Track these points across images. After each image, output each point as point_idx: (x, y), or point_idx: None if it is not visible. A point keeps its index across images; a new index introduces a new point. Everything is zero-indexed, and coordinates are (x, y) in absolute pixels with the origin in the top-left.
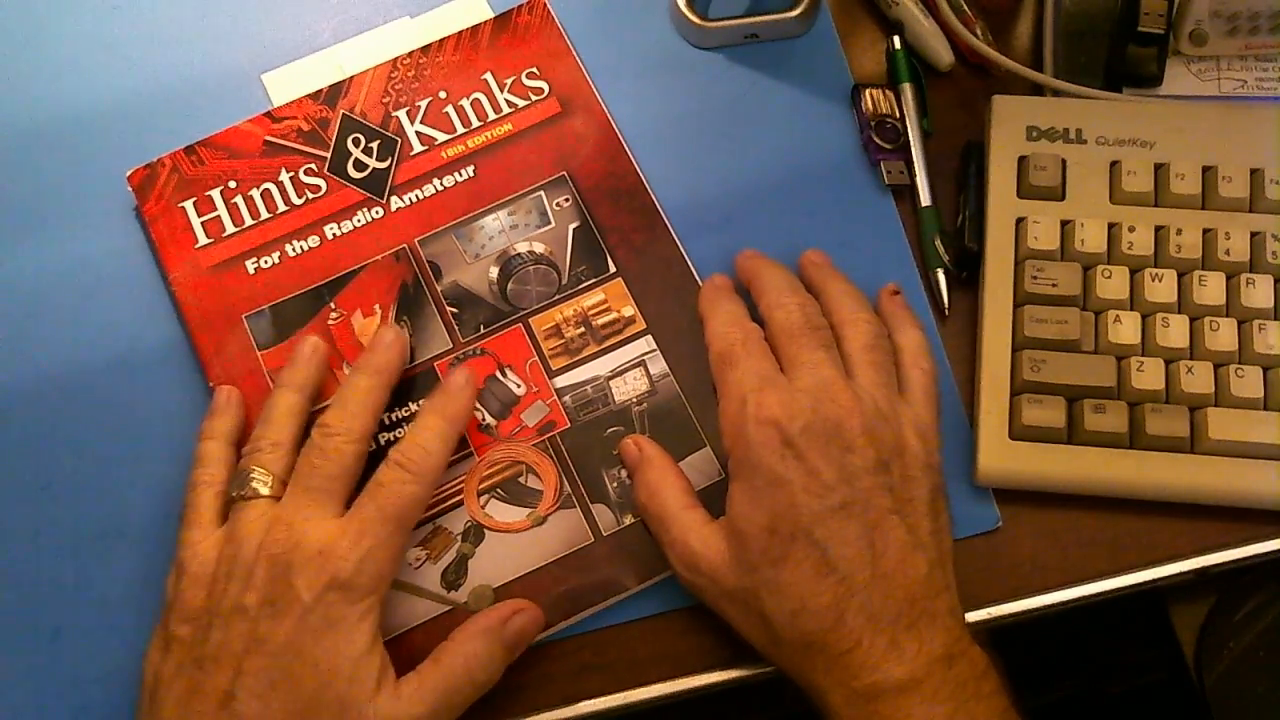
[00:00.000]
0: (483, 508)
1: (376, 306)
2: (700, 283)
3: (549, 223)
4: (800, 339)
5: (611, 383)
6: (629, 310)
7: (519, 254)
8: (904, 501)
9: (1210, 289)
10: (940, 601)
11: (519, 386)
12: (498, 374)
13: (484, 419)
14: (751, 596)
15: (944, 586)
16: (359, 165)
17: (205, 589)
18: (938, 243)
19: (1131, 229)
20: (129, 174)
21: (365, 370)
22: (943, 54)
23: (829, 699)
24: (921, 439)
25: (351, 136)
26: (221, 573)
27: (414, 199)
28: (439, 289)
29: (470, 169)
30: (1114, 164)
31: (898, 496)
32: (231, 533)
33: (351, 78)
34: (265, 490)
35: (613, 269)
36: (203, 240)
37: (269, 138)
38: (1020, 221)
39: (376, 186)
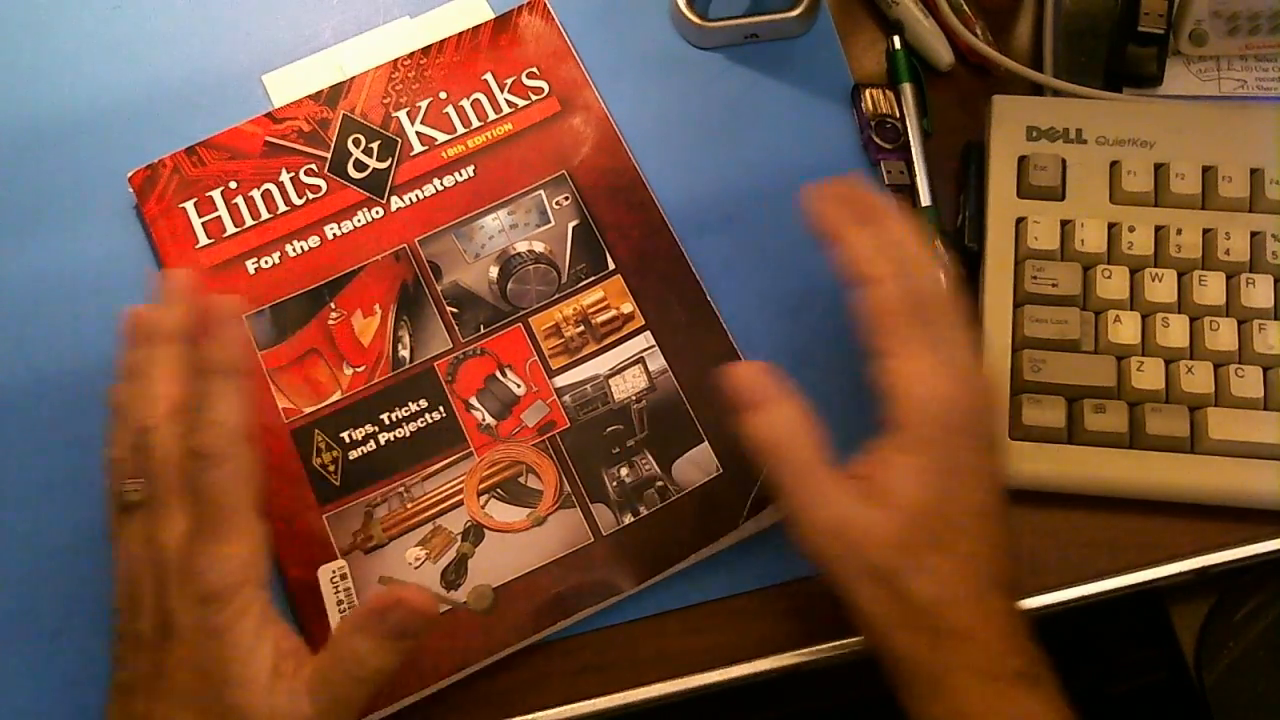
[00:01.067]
0: (483, 508)
1: (376, 306)
2: (700, 280)
3: (549, 222)
4: (947, 310)
5: (611, 381)
6: (628, 307)
7: (519, 253)
8: (1007, 505)
9: (1210, 289)
10: (1023, 614)
11: (519, 386)
12: (498, 374)
13: (484, 419)
14: (899, 576)
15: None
16: (359, 165)
17: (121, 610)
18: (938, 243)
19: (1131, 229)
20: (130, 175)
21: (152, 338)
22: (943, 54)
23: (953, 678)
24: None
25: (352, 137)
26: (124, 594)
27: (414, 199)
28: (439, 289)
29: (470, 169)
30: (1114, 164)
31: (1006, 500)
32: (124, 553)
33: (352, 78)
34: (137, 500)
35: (611, 266)
36: (203, 240)
37: (269, 138)
38: (1020, 221)
39: (377, 187)
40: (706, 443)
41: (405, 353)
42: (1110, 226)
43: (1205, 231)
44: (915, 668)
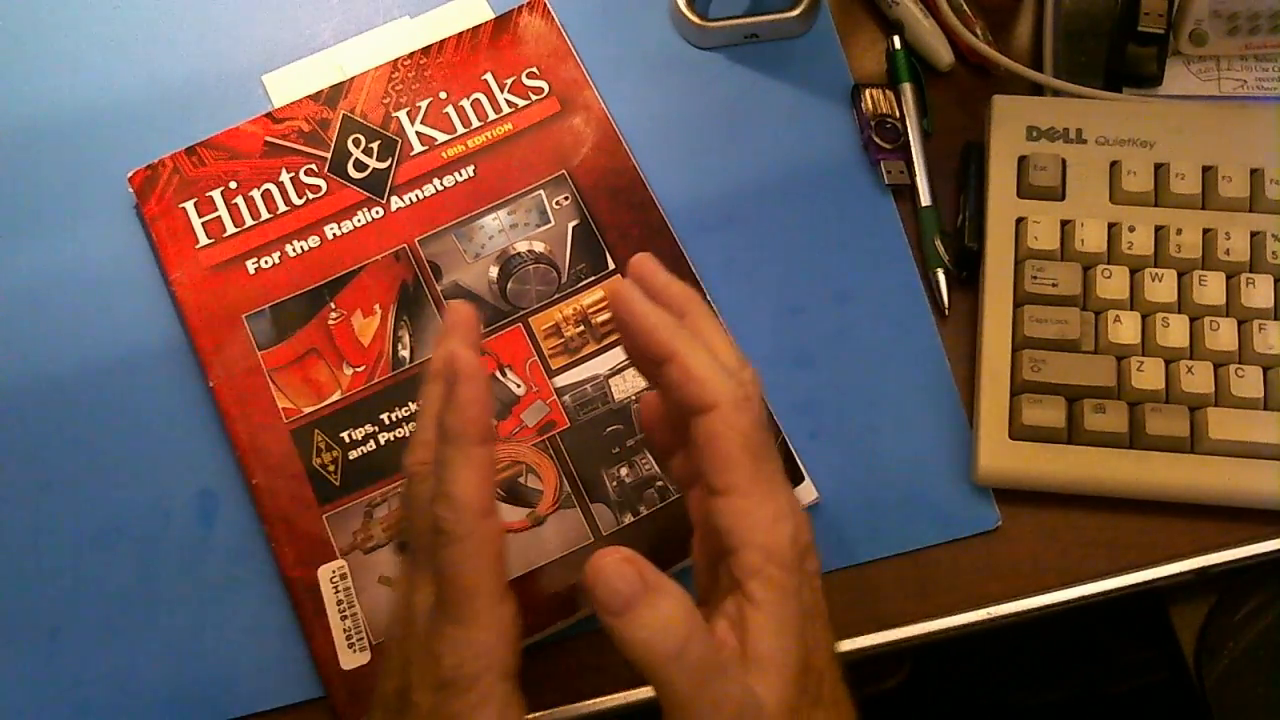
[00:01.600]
0: None
1: (376, 306)
2: (699, 279)
3: (549, 221)
4: (765, 430)
5: (611, 381)
6: None
7: (519, 253)
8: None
9: (1210, 289)
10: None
11: (519, 386)
12: (498, 374)
13: None
14: None
15: None
16: (359, 165)
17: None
18: (938, 243)
19: (1131, 229)
20: (130, 175)
21: (446, 439)
22: (943, 54)
23: None
24: None
25: (352, 137)
26: (387, 647)
27: (414, 199)
28: (439, 289)
29: (470, 169)
30: (1114, 164)
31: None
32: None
33: (352, 78)
34: (405, 541)
35: (611, 266)
36: (203, 240)
37: (269, 138)
38: (1020, 221)
39: (377, 187)
40: None
41: (405, 353)
42: (1110, 226)
43: (1205, 231)
44: None
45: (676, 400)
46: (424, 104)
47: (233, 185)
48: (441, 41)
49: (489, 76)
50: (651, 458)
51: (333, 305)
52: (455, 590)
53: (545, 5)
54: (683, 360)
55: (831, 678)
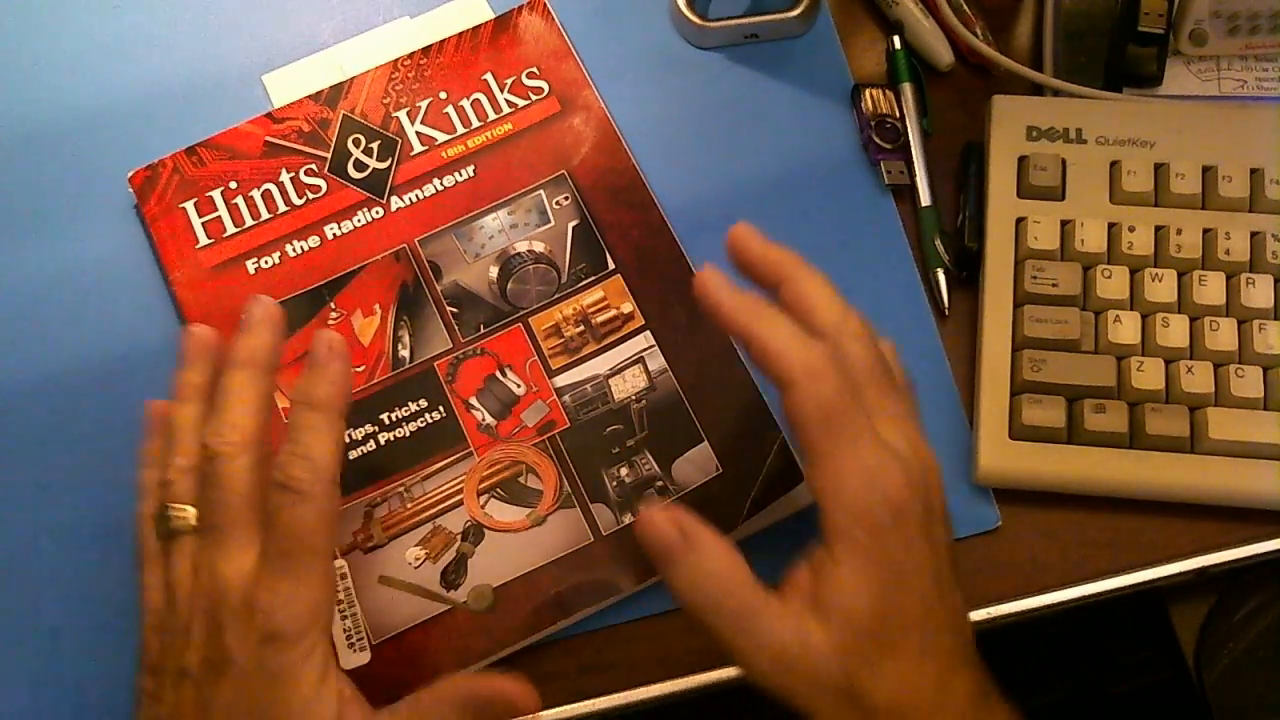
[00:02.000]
0: (482, 507)
1: (376, 306)
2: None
3: (548, 221)
4: (882, 385)
5: (611, 381)
6: (628, 306)
7: (519, 253)
8: (955, 565)
9: (1210, 289)
10: (985, 668)
11: (519, 386)
12: (498, 374)
13: (484, 419)
14: (856, 686)
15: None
16: (359, 165)
17: (159, 639)
18: (938, 243)
19: (1131, 229)
20: (130, 175)
21: (235, 363)
22: (943, 54)
23: None
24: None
25: (352, 137)
26: (167, 626)
27: (414, 199)
28: (439, 289)
29: (470, 169)
30: (1114, 164)
31: (954, 563)
32: (167, 580)
33: (352, 78)
34: (188, 524)
35: (611, 266)
36: (203, 241)
37: (269, 138)
38: (1020, 221)
39: (377, 187)
40: (706, 442)
41: (405, 352)
42: (1110, 226)
43: (1205, 231)
44: None
45: (765, 374)
46: (424, 104)
47: (233, 185)
48: (441, 41)
49: (489, 76)
50: (651, 457)
51: (333, 305)
52: (300, 547)
53: (545, 5)
54: (760, 341)
55: (922, 633)
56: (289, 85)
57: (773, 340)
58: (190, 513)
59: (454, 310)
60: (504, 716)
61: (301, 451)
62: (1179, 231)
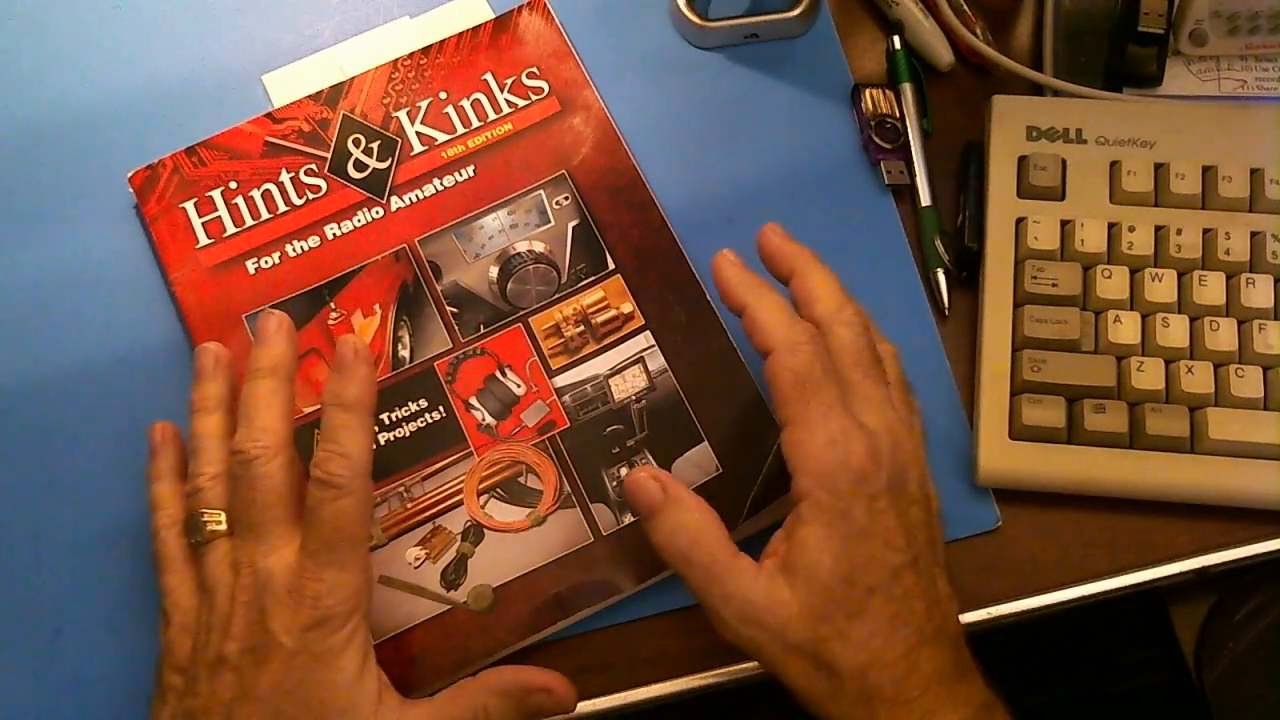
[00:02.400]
0: (482, 507)
1: (376, 306)
2: (700, 280)
3: (549, 221)
4: (866, 368)
5: (611, 381)
6: (628, 307)
7: (519, 253)
8: (939, 554)
9: (1210, 289)
10: (968, 653)
11: (519, 386)
12: (498, 374)
13: (484, 419)
14: (821, 647)
15: (965, 637)
16: (359, 165)
17: (190, 637)
18: (938, 243)
19: (1131, 229)
20: (130, 175)
21: (258, 373)
22: (943, 54)
23: None
24: (931, 482)
25: (352, 137)
26: (202, 622)
27: (414, 199)
28: (439, 289)
29: (470, 169)
30: (1114, 164)
31: (935, 550)
32: (202, 580)
33: (352, 78)
34: (220, 528)
35: (611, 266)
36: (203, 240)
37: (269, 138)
38: (1020, 221)
39: (377, 187)
40: (706, 443)
41: (405, 353)
42: (1110, 226)
43: (1205, 231)
44: None
45: (753, 345)
46: (424, 104)
47: (233, 185)
48: (441, 41)
49: (489, 76)
50: (651, 457)
51: (333, 305)
52: (343, 537)
53: (545, 5)
54: (751, 312)
55: (888, 599)
56: (289, 85)
57: (760, 313)
58: (222, 517)
59: (454, 310)
60: (544, 708)
61: (340, 450)
62: (1179, 231)
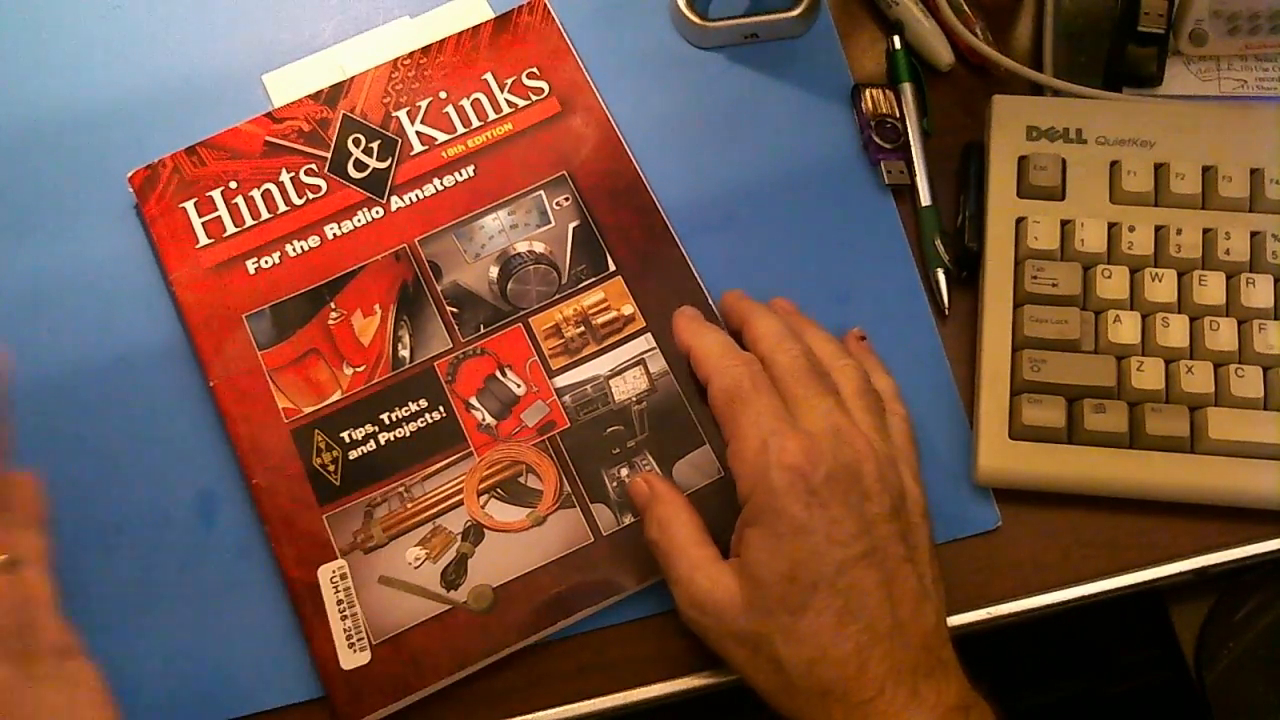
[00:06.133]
0: (483, 507)
1: (376, 306)
2: (700, 281)
3: (549, 222)
4: (808, 383)
5: (611, 382)
6: (628, 309)
7: (519, 253)
8: (912, 549)
9: (1210, 289)
10: (948, 651)
11: (519, 386)
12: (498, 374)
13: (484, 419)
14: (764, 641)
15: (948, 636)
16: (359, 165)
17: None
18: (938, 243)
19: (1131, 229)
20: (130, 175)
21: None
22: (943, 54)
23: None
24: (918, 484)
25: (352, 137)
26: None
27: (414, 199)
28: (439, 289)
29: (470, 169)
30: (1114, 164)
31: (907, 544)
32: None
33: (352, 78)
34: None
35: (612, 267)
36: (203, 240)
37: (269, 138)
38: (1020, 221)
39: (377, 186)
40: (708, 445)
41: (405, 353)
42: (1110, 226)
43: (1205, 231)
44: None
45: (699, 381)
46: (424, 104)
47: (233, 185)
48: (441, 41)
49: (489, 76)
50: (652, 459)
51: (333, 305)
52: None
53: (545, 5)
54: (692, 349)
55: (834, 593)
56: (289, 85)
57: (699, 348)
58: None
59: (454, 310)
60: None
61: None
62: (1179, 231)
